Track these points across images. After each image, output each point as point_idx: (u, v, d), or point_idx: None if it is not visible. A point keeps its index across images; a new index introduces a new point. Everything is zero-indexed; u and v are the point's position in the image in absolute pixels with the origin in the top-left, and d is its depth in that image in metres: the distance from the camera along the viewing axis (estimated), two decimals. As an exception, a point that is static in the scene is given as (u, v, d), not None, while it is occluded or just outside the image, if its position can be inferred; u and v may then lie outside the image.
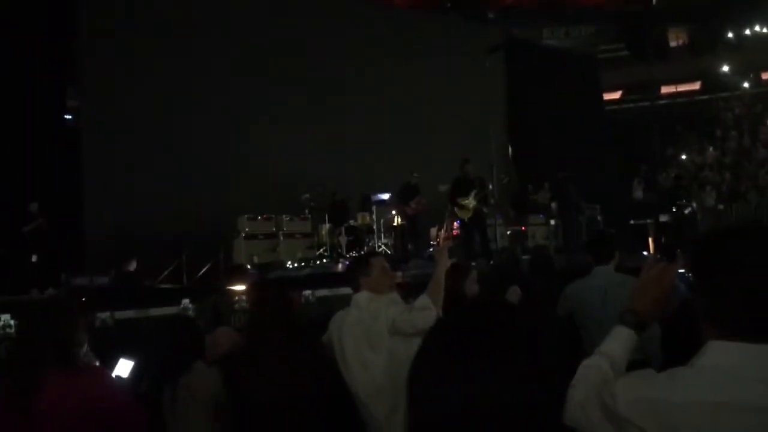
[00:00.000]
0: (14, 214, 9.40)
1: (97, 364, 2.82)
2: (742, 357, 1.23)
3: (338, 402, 3.10)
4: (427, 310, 2.97)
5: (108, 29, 11.13)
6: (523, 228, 12.86)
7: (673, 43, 29.75)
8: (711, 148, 24.03)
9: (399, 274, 7.32)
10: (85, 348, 2.70)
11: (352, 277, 3.36)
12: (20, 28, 10.15)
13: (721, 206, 16.65)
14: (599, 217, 13.54)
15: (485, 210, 10.28)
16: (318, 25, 13.38)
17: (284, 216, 10.85)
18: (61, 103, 11.03)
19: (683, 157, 24.27)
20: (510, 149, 13.22)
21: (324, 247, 11.19)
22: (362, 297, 3.23)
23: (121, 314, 5.61)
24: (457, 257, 3.59)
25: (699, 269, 1.37)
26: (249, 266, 9.42)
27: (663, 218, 12.73)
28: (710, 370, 1.25)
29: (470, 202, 9.89)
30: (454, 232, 11.24)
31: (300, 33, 13.01)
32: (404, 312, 3.05)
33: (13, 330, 4.81)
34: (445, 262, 3.21)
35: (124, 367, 3.26)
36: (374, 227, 11.49)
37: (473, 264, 5.09)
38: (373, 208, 11.67)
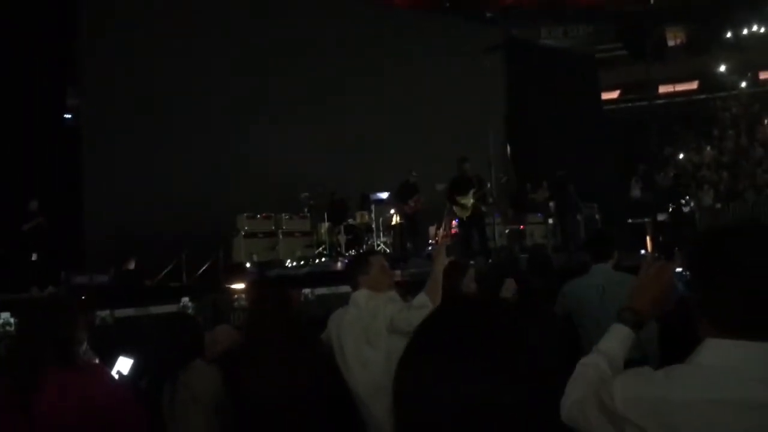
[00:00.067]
0: (14, 213, 9.40)
1: (97, 362, 2.83)
2: (740, 355, 1.24)
3: (338, 401, 3.10)
4: (424, 308, 2.96)
5: (108, 29, 11.13)
6: (521, 227, 12.88)
7: (671, 43, 29.78)
8: (708, 148, 24.03)
9: (398, 272, 7.33)
10: (85, 346, 2.70)
11: (351, 276, 3.36)
12: (20, 28, 10.15)
13: (718, 205, 16.65)
14: (597, 216, 13.55)
15: (484, 209, 10.29)
16: (318, 25, 13.37)
17: (283, 214, 10.84)
18: (61, 102, 11.04)
19: (681, 156, 24.28)
20: (508, 148, 13.21)
21: (323, 246, 11.19)
22: (361, 295, 3.23)
23: (120, 312, 5.61)
24: (455, 255, 3.58)
25: (696, 267, 1.38)
26: (248, 264, 9.43)
27: (661, 217, 12.74)
28: (708, 368, 1.25)
29: (469, 200, 9.90)
30: (453, 231, 11.24)
31: (300, 33, 13.01)
32: (402, 310, 3.04)
33: (12, 328, 4.80)
34: (442, 261, 3.21)
35: (123, 365, 3.26)
36: (373, 226, 11.51)
37: (471, 262, 5.09)
38: (372, 206, 11.68)
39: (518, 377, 0.83)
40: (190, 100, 11.50)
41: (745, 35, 28.29)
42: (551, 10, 27.88)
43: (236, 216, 10.43)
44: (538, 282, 4.74)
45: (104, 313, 5.46)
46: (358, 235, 11.42)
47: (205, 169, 11.34)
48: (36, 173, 9.86)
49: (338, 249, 11.19)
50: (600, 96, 20.89)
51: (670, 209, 12.47)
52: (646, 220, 13.28)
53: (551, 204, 12.53)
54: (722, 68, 27.76)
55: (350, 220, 11.59)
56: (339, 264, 10.14)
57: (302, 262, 10.62)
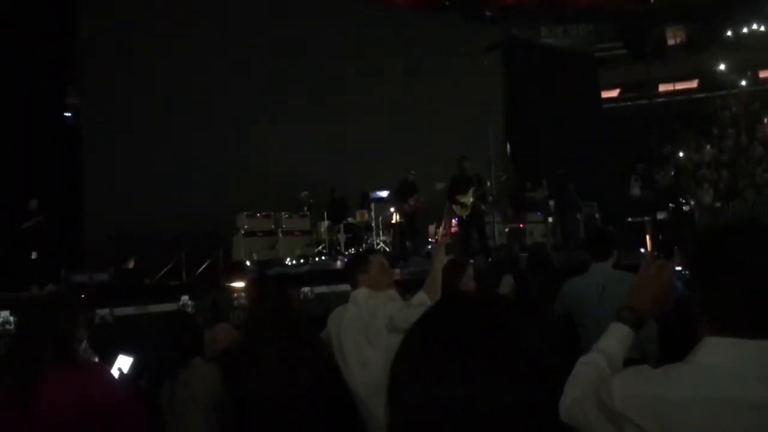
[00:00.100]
0: (14, 211, 9.40)
1: (97, 360, 2.83)
2: (739, 353, 1.24)
3: (337, 399, 3.10)
4: (423, 306, 2.94)
5: (108, 29, 11.13)
6: (521, 225, 12.88)
7: (670, 42, 29.77)
8: (708, 146, 24.02)
9: (397, 271, 7.33)
10: (85, 344, 2.71)
11: (351, 274, 3.36)
12: (20, 28, 10.16)
13: (718, 204, 16.64)
14: (597, 215, 13.56)
15: (483, 207, 10.30)
16: (318, 24, 13.38)
17: (283, 213, 10.86)
18: (61, 101, 11.05)
19: (681, 155, 24.28)
20: (508, 147, 13.23)
21: (323, 245, 11.20)
22: (360, 294, 3.23)
23: (120, 311, 5.63)
24: (455, 254, 3.57)
25: (696, 266, 1.38)
26: (248, 263, 9.45)
27: (660, 216, 12.74)
28: (707, 367, 1.25)
29: (469, 199, 9.90)
30: (453, 230, 11.24)
31: (300, 33, 13.02)
32: (402, 308, 3.04)
33: (12, 327, 4.81)
34: (442, 259, 3.21)
35: (123, 364, 3.26)
36: (373, 224, 11.52)
37: (471, 261, 5.09)
38: (372, 205, 11.69)
39: (517, 376, 0.82)
40: (190, 100, 11.51)
41: (745, 34, 28.28)
42: (551, 9, 27.84)
43: (236, 215, 10.44)
44: (537, 280, 4.74)
45: (104, 312, 5.48)
46: (358, 234, 11.43)
47: (205, 169, 11.34)
48: (36, 172, 9.87)
49: (338, 248, 11.20)
50: (600, 95, 20.88)
51: (670, 208, 12.48)
52: (645, 218, 13.27)
53: (551, 203, 12.52)
54: (722, 67, 27.75)
55: (350, 219, 11.60)
56: (339, 263, 10.15)
57: (302, 261, 10.63)
